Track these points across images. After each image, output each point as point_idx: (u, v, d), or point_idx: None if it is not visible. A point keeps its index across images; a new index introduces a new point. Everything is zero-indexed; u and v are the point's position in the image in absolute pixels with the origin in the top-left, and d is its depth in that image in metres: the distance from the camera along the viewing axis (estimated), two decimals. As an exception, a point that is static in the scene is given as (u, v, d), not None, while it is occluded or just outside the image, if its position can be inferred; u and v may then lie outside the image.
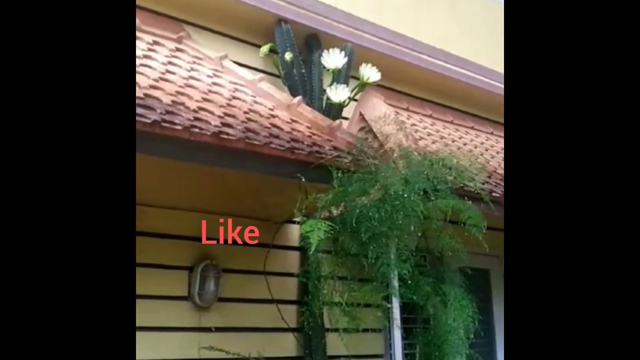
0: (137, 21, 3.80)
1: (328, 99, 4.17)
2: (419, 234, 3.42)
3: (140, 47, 3.59)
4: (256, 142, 3.12)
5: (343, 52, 4.23)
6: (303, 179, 3.21)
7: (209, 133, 2.95)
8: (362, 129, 4.73)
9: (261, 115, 3.51)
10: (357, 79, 4.47)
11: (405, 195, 3.21)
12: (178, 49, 3.90)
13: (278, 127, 3.46)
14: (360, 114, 4.81)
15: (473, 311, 3.42)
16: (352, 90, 4.43)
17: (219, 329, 3.85)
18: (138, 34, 3.74)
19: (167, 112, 2.92)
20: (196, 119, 3.02)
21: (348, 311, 3.11)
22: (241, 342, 3.87)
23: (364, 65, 4.31)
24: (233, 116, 3.29)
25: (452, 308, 3.39)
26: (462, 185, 3.78)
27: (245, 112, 3.43)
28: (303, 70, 4.38)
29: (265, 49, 4.21)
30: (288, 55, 4.16)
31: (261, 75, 4.02)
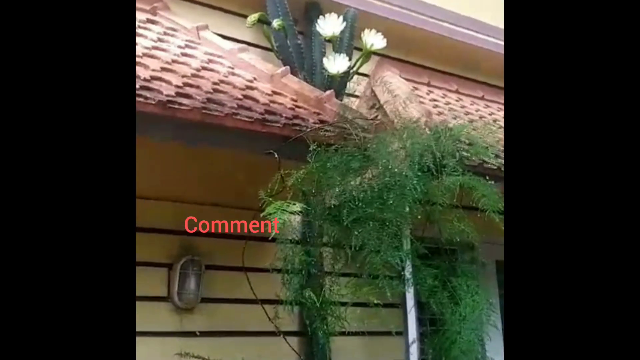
0: (104, -9, 3.41)
1: (325, 70, 3.66)
2: (420, 217, 2.86)
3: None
4: (216, 113, 2.67)
5: (342, 18, 3.70)
6: (276, 155, 2.73)
7: (154, 102, 2.52)
8: (373, 105, 4.20)
9: (235, 87, 3.06)
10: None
11: (396, 171, 2.67)
12: (149, 20, 3.49)
13: (253, 99, 2.99)
14: (372, 90, 4.28)
15: (488, 308, 2.85)
16: (356, 61, 3.91)
17: (203, 334, 3.41)
18: (103, 4, 3.35)
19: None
20: (144, 87, 2.59)
21: (331, 311, 2.59)
22: (230, 347, 3.42)
23: (366, 31, 3.77)
24: (197, 87, 2.84)
25: (462, 305, 2.82)
26: (480, 161, 3.22)
27: (215, 83, 2.98)
28: (299, 41, 3.90)
29: (252, 18, 3.74)
30: (276, 23, 3.68)
31: (242, 45, 3.56)
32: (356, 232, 2.60)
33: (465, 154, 3.21)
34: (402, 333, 3.92)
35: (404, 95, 3.96)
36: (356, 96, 4.26)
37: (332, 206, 2.56)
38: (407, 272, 2.95)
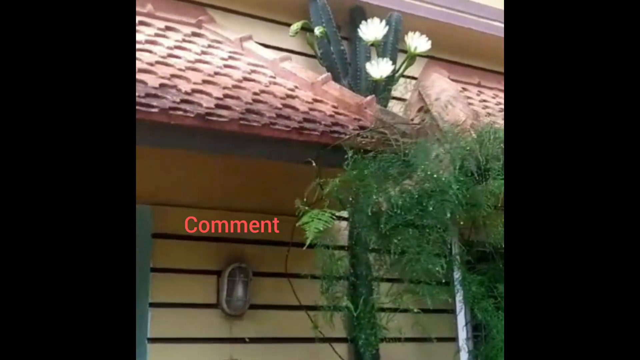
0: (150, 7, 3.52)
1: (369, 75, 3.65)
2: (463, 223, 2.81)
3: (147, 33, 3.29)
4: (254, 124, 2.70)
5: (384, 22, 3.68)
6: (314, 163, 2.74)
7: (192, 115, 2.57)
8: (420, 109, 4.16)
9: (275, 96, 3.08)
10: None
11: (435, 177, 2.64)
12: (195, 34, 3.57)
13: (292, 107, 3.01)
14: (419, 93, 4.24)
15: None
16: (401, 65, 3.88)
17: (253, 340, 3.45)
18: (149, 20, 3.45)
19: (148, 95, 2.57)
20: (184, 101, 2.65)
21: (373, 319, 2.58)
22: (278, 354, 3.46)
23: (410, 34, 3.74)
24: (237, 98, 2.88)
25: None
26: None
27: (255, 94, 3.01)
28: (342, 47, 3.90)
29: (295, 26, 3.77)
30: (318, 30, 3.70)
31: (284, 54, 3.59)
32: (395, 240, 2.58)
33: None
34: (454, 339, 3.86)
35: (449, 97, 3.91)
36: (405, 100, 4.22)
37: (370, 214, 2.54)
38: (455, 278, 2.91)
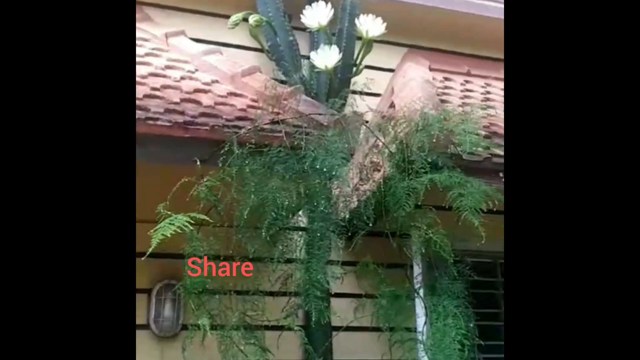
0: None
1: (313, 67, 3.26)
2: (371, 225, 2.37)
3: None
4: (129, 120, 2.39)
5: (329, 5, 3.28)
6: (198, 162, 2.39)
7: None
8: (392, 105, 3.71)
9: (182, 91, 2.77)
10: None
11: (332, 172, 2.23)
12: (121, 32, 3.31)
13: (195, 102, 2.69)
14: (392, 88, 3.80)
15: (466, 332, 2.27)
16: (358, 53, 3.47)
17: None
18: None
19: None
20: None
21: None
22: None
23: (362, 17, 3.32)
24: (127, 94, 2.59)
25: (432, 329, 2.29)
26: (469, 153, 2.66)
27: (155, 89, 2.71)
28: (291, 38, 3.54)
29: (235, 17, 3.41)
30: (252, 20, 3.33)
31: (212, 47, 3.27)
32: (280, 247, 2.18)
33: (455, 147, 2.67)
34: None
35: (415, 87, 3.45)
36: (374, 94, 3.79)
37: (246, 217, 2.16)
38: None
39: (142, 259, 2.06)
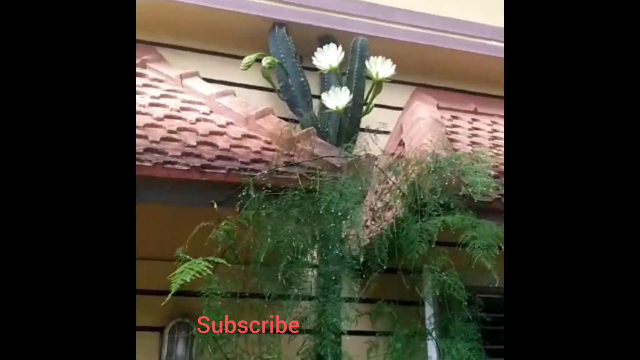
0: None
1: (324, 107, 3.32)
2: (385, 267, 2.41)
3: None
4: (146, 164, 2.44)
5: (340, 48, 3.35)
6: (215, 205, 2.44)
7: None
8: (401, 143, 3.77)
9: (198, 134, 2.83)
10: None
11: (346, 216, 2.27)
12: (137, 74, 3.39)
13: (211, 145, 2.74)
14: (401, 126, 3.86)
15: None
16: (369, 93, 3.53)
17: (198, 403, 3.12)
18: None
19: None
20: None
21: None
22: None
23: (372, 59, 3.39)
24: (144, 137, 2.65)
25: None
26: (481, 195, 2.69)
27: (171, 132, 2.77)
28: (302, 79, 3.61)
29: (248, 59, 3.49)
30: (265, 62, 3.41)
31: (226, 89, 3.34)
32: (296, 289, 2.22)
33: (466, 188, 2.71)
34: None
35: (424, 127, 3.51)
36: (383, 132, 3.84)
37: (263, 260, 2.20)
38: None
39: (163, 304, 2.10)
